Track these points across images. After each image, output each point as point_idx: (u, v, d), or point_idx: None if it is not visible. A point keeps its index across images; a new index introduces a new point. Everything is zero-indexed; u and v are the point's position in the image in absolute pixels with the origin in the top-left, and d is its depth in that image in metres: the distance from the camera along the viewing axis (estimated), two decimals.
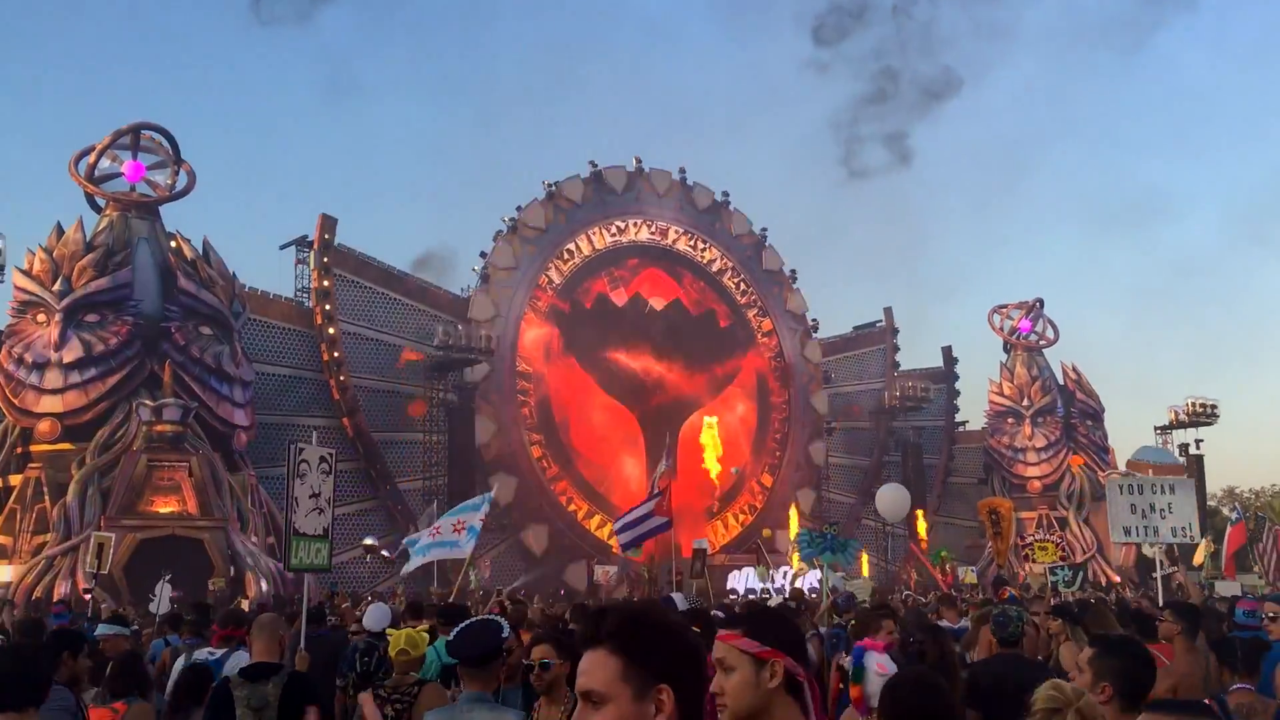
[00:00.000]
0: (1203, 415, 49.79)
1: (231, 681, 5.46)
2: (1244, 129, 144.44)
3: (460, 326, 39.12)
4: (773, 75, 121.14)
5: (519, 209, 43.72)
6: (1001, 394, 51.92)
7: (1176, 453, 50.64)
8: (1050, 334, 53.80)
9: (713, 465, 44.04)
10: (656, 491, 24.11)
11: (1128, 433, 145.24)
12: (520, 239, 43.39)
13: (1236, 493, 67.11)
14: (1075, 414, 51.45)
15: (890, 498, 18.53)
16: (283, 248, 39.93)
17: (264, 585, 28.76)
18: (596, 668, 1.86)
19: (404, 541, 15.89)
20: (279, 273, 40.70)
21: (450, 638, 4.72)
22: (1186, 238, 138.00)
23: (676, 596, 10.55)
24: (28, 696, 3.96)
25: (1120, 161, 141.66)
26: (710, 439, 44.06)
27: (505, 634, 4.60)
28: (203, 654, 7.20)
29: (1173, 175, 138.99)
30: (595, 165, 45.90)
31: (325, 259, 37.98)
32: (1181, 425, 50.16)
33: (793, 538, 32.28)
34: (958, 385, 54.50)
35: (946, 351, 54.78)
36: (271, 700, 5.36)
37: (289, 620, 10.17)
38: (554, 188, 44.61)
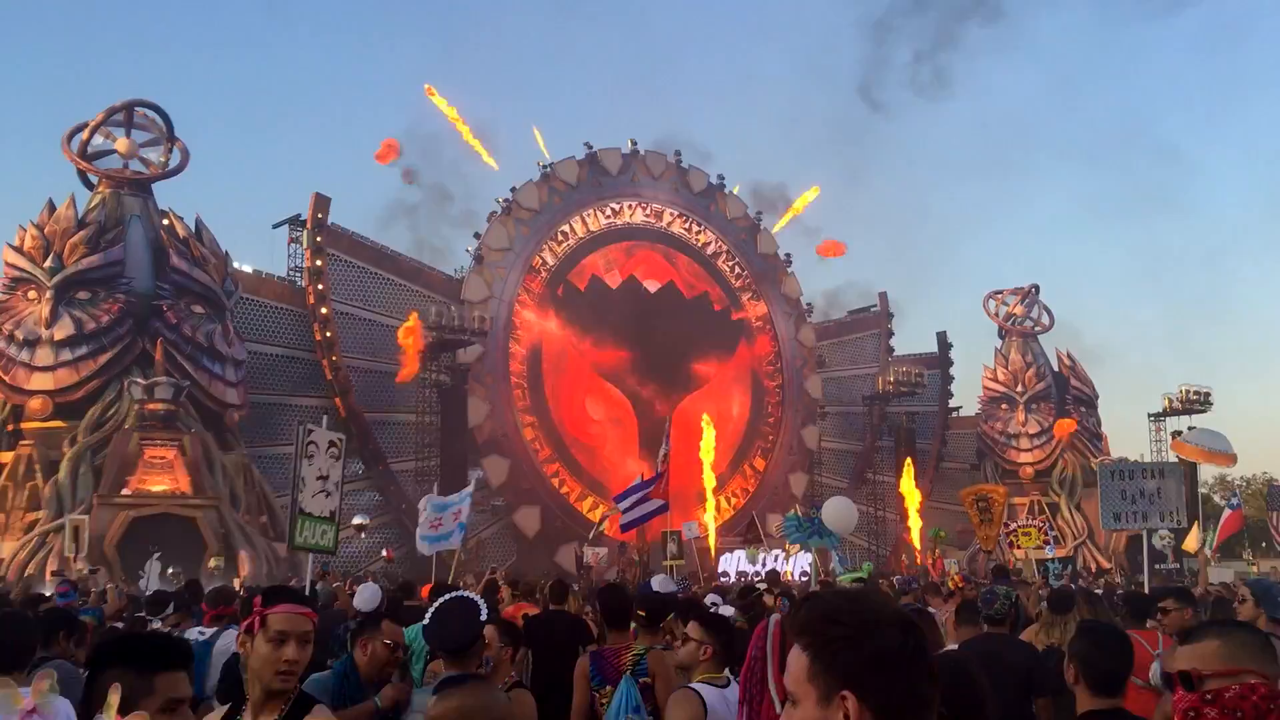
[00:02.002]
0: (1196, 403, 49.88)
1: (241, 664, 5.35)
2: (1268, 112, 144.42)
3: (453, 307, 39.00)
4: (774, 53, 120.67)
5: (513, 190, 43.56)
6: (995, 380, 51.97)
7: (1168, 441, 50.75)
8: (1045, 320, 53.84)
9: (707, 463, 44.10)
10: (659, 473, 24.15)
11: (1120, 420, 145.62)
12: (514, 220, 43.24)
13: (1228, 480, 67.40)
14: (1069, 401, 51.53)
15: (836, 512, 18.50)
16: (276, 226, 39.84)
17: (259, 564, 28.73)
18: (791, 664, 1.75)
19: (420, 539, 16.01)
20: (272, 252, 40.62)
21: (426, 622, 4.53)
22: (1188, 224, 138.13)
23: (658, 579, 10.52)
24: (13, 660, 3.99)
25: (1130, 146, 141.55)
26: (706, 446, 44.02)
27: (484, 617, 4.47)
28: (193, 633, 7.13)
29: (1190, 155, 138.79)
30: (590, 147, 45.72)
31: (318, 238, 37.82)
32: (1175, 413, 50.24)
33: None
34: (952, 371, 54.55)
35: (941, 337, 54.84)
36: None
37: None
38: (549, 169, 44.44)
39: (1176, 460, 26.19)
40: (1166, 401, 50.38)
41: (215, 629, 7.14)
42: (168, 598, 9.99)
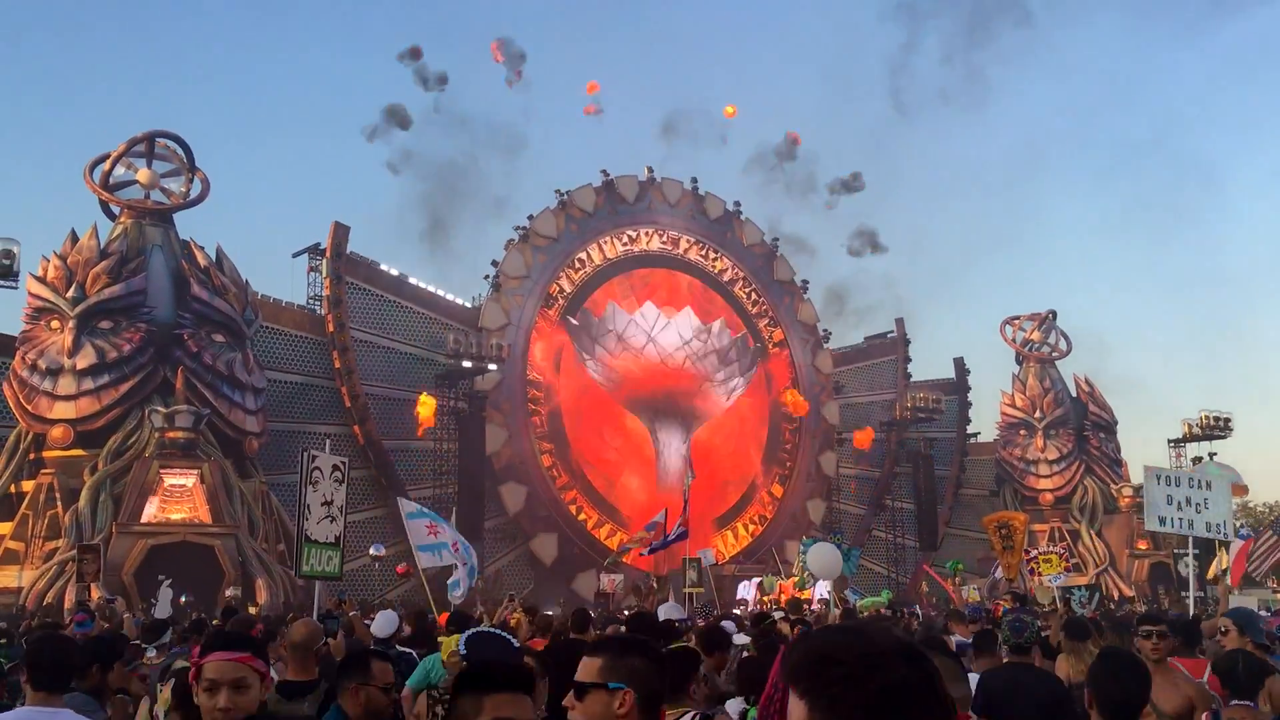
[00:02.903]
0: (1216, 428, 49.50)
1: (267, 699, 5.29)
2: None
3: (471, 335, 39.16)
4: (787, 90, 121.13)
5: (530, 217, 43.80)
6: (1013, 405, 51.73)
7: (1189, 465, 50.34)
8: (1063, 345, 53.62)
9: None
10: (684, 500, 24.21)
11: (1140, 445, 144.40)
12: (531, 247, 43.45)
13: (1250, 506, 66.70)
14: (1088, 426, 51.22)
15: (820, 558, 18.39)
16: (295, 255, 40.09)
17: (275, 593, 28.79)
18: (791, 713, 1.58)
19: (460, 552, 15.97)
20: (291, 280, 40.84)
21: (463, 650, 4.52)
22: (1212, 247, 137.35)
23: (666, 606, 10.50)
24: (51, 680, 4.03)
25: (1153, 167, 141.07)
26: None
27: (516, 645, 4.50)
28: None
29: (1215, 177, 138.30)
30: (607, 174, 45.97)
31: (337, 267, 38.11)
32: (1195, 439, 49.86)
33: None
34: (970, 396, 54.31)
35: (959, 363, 54.63)
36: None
37: (329, 634, 10.02)
38: (566, 196, 44.68)
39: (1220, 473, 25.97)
40: (1186, 427, 50.00)
41: None
42: (164, 625, 9.98)
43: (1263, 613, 15.09)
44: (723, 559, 39.77)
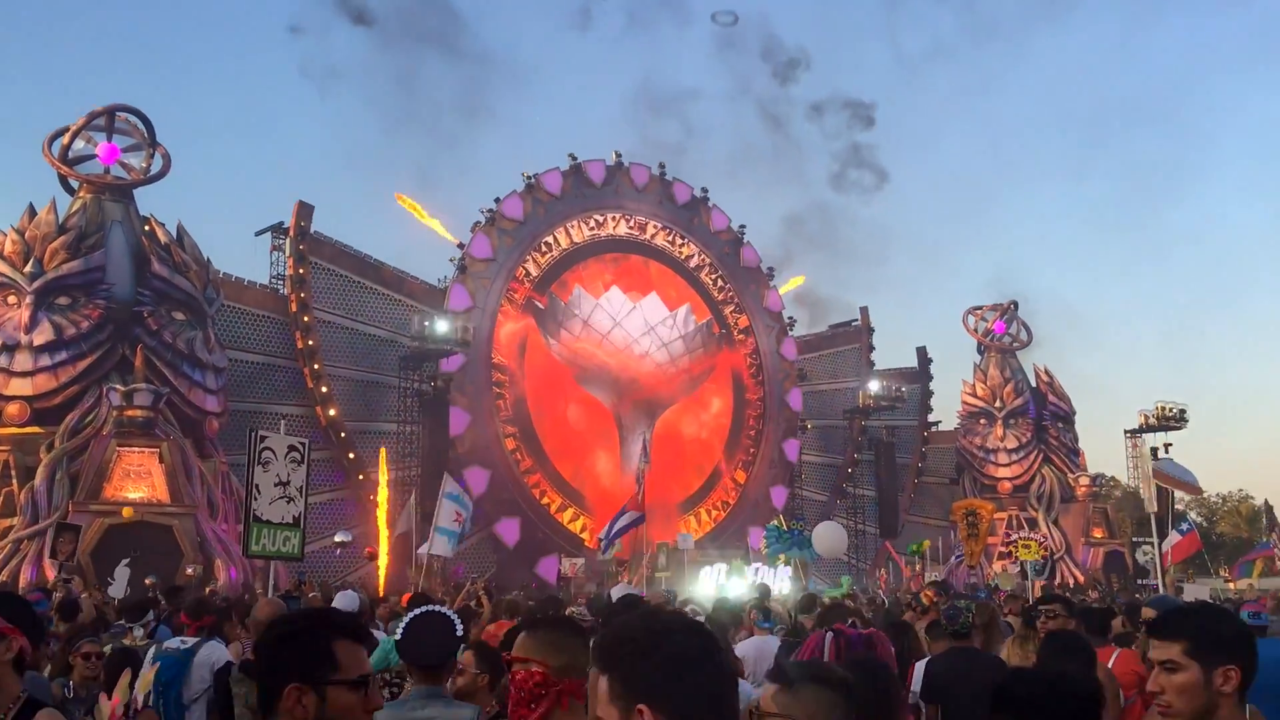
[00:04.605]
0: (1172, 420, 50.24)
1: (231, 677, 5.26)
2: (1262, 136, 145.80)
3: (436, 317, 38.97)
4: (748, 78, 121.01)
5: (497, 200, 43.58)
6: (974, 395, 52.27)
7: (1148, 456, 51.10)
8: (1024, 336, 54.22)
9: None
10: (639, 488, 24.27)
11: (1098, 436, 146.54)
12: (498, 230, 43.26)
13: (1204, 497, 67.87)
14: (1047, 416, 51.86)
15: (827, 536, 18.60)
16: (258, 234, 39.69)
17: (234, 573, 28.61)
18: (591, 689, 1.77)
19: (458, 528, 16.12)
20: (254, 259, 40.38)
21: (399, 637, 4.46)
22: (1171, 245, 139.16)
23: (617, 589, 10.59)
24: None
25: (1119, 162, 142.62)
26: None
27: (459, 633, 4.40)
28: (174, 643, 7.09)
29: (1181, 174, 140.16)
30: (574, 158, 45.82)
31: (301, 246, 37.77)
32: (1151, 429, 50.59)
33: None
34: (931, 385, 54.82)
35: (921, 352, 55.07)
36: None
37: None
38: (533, 180, 44.49)
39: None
40: (1143, 418, 50.72)
41: (196, 639, 7.11)
42: (147, 604, 9.94)
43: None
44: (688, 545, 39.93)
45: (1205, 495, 67.12)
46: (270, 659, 2.45)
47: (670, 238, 47.88)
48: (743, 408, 48.23)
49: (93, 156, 33.27)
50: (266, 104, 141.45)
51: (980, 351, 53.77)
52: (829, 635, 3.08)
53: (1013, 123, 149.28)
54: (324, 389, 37.29)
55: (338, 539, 32.09)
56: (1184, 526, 26.64)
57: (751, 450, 47.99)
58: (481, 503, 40.05)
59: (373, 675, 2.44)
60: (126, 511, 28.49)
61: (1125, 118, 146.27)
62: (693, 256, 48.32)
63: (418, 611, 4.43)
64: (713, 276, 48.66)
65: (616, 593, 11.10)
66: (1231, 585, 38.01)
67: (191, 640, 6.98)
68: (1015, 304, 54.28)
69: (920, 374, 54.40)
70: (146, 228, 32.55)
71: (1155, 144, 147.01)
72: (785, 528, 30.36)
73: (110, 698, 6.74)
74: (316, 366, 37.19)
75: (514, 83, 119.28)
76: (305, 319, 37.25)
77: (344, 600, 9.88)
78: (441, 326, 38.04)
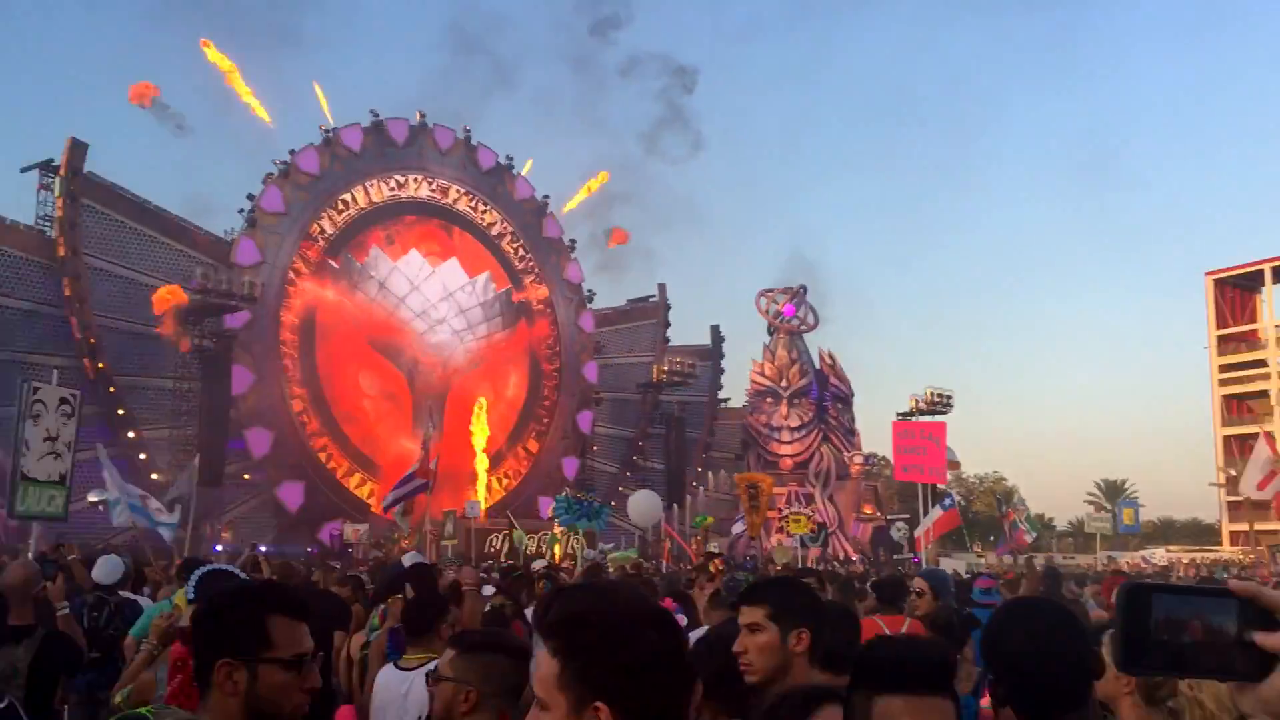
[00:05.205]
0: (939, 404, 53.54)
1: None
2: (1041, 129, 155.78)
3: (222, 270, 37.17)
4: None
5: (292, 153, 41.87)
6: (763, 374, 54.14)
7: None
8: (811, 319, 56.49)
9: (480, 446, 44.01)
10: (425, 454, 23.96)
11: (874, 417, 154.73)
12: (292, 184, 41.60)
13: (963, 478, 72.93)
14: (828, 397, 54.30)
15: (642, 504, 19.05)
16: (24, 170, 36.84)
17: None
18: (538, 668, 1.58)
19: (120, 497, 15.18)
20: (19, 198, 37.42)
21: (192, 592, 4.35)
22: (950, 238, 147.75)
23: (409, 556, 10.52)
24: None
25: (906, 154, 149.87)
26: (479, 426, 43.92)
27: None
28: None
29: (965, 161, 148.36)
30: (377, 115, 44.55)
31: (72, 187, 35.26)
32: (921, 413, 53.75)
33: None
34: (723, 364, 56.45)
35: (715, 330, 56.63)
36: (20, 667, 4.66)
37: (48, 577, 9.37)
38: (331, 134, 42.98)
39: None
40: (913, 401, 53.84)
41: None
42: None
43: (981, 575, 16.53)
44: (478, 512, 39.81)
45: (965, 476, 72.10)
46: (203, 633, 2.35)
47: (473, 203, 47.30)
48: (538, 378, 48.34)
49: None
50: (41, 34, 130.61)
51: (770, 332, 55.71)
52: None
53: (820, 110, 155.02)
54: (91, 340, 35.01)
55: (91, 498, 30.20)
56: (946, 502, 28.45)
57: (545, 420, 48.20)
58: (263, 465, 38.69)
59: (310, 654, 2.31)
60: None
61: (918, 113, 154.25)
62: (495, 224, 47.91)
63: (205, 570, 4.34)
64: (514, 246, 48.40)
65: (408, 560, 10.99)
66: (982, 559, 41.10)
67: None
68: (804, 288, 56.43)
69: (713, 352, 55.94)
70: None
71: (940, 140, 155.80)
72: (576, 498, 30.77)
73: None
74: (85, 316, 34.88)
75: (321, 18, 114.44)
76: (74, 264, 34.88)
77: (107, 565, 9.38)
78: (225, 280, 36.34)
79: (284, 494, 39.05)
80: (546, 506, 37.65)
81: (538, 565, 13.83)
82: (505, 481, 46.20)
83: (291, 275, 40.93)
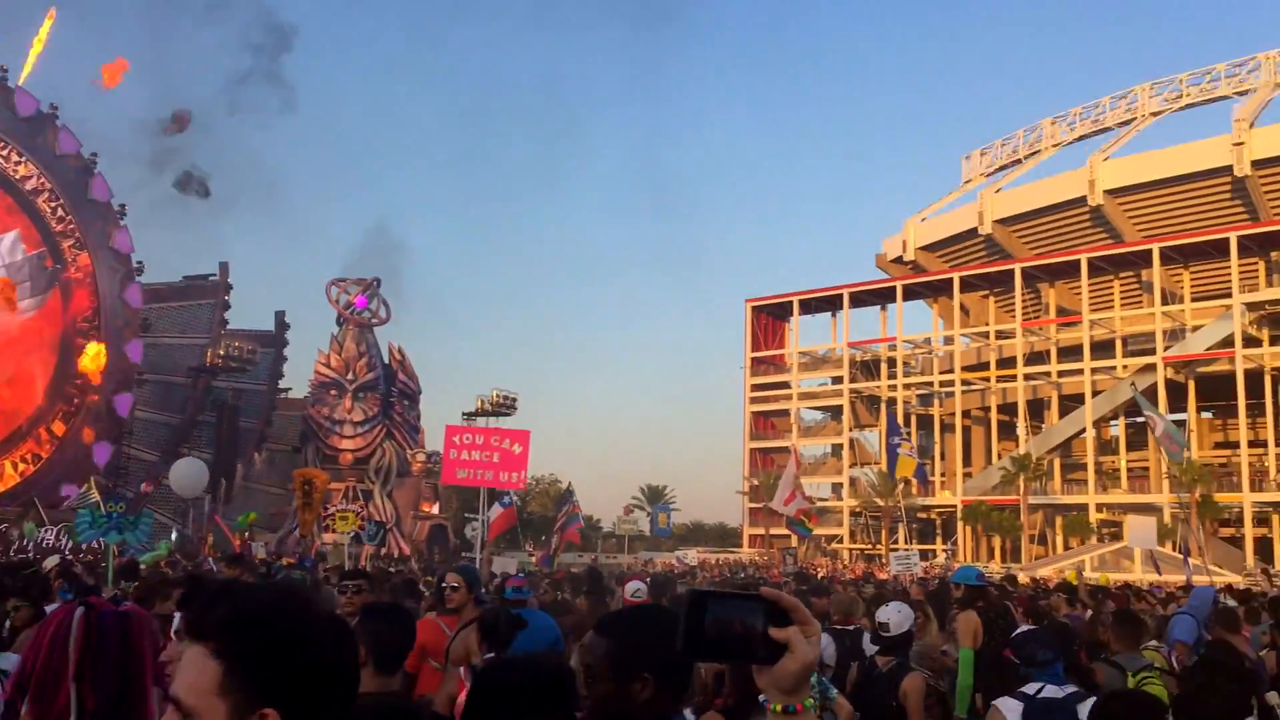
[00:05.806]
0: (504, 405, 55.06)
1: None
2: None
3: None
4: None
5: None
6: (329, 365, 52.69)
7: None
8: (384, 313, 55.83)
9: None
10: None
11: (439, 415, 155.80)
12: None
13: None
14: (395, 393, 53.93)
15: (185, 473, 17.89)
16: None
17: None
18: (190, 670, 1.40)
19: None
20: None
21: None
22: (543, 242, 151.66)
23: None
24: None
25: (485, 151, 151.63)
26: None
27: None
28: None
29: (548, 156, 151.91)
30: None
31: None
32: (485, 413, 54.96)
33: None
34: (287, 352, 54.20)
35: (280, 316, 54.17)
36: None
37: None
38: None
39: None
40: (479, 402, 54.95)
41: None
42: None
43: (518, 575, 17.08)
44: None
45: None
46: None
47: (5, 152, 41.69)
48: (72, 353, 43.48)
49: None
50: None
51: (339, 323, 54.33)
52: (80, 610, 2.90)
53: (416, 99, 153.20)
54: None
55: None
56: (505, 500, 29.23)
57: (76, 400, 43.46)
58: None
59: None
60: None
61: (513, 114, 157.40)
62: (31, 178, 42.52)
63: None
64: (53, 204, 43.21)
65: None
66: (532, 558, 42.77)
67: None
68: (379, 280, 55.64)
69: (276, 339, 53.53)
70: None
71: (530, 145, 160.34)
72: (103, 510, 27.64)
73: None
74: None
75: None
76: None
77: None
78: None
79: None
80: (72, 493, 33.96)
81: (51, 563, 12.46)
82: (22, 466, 41.15)
83: None
